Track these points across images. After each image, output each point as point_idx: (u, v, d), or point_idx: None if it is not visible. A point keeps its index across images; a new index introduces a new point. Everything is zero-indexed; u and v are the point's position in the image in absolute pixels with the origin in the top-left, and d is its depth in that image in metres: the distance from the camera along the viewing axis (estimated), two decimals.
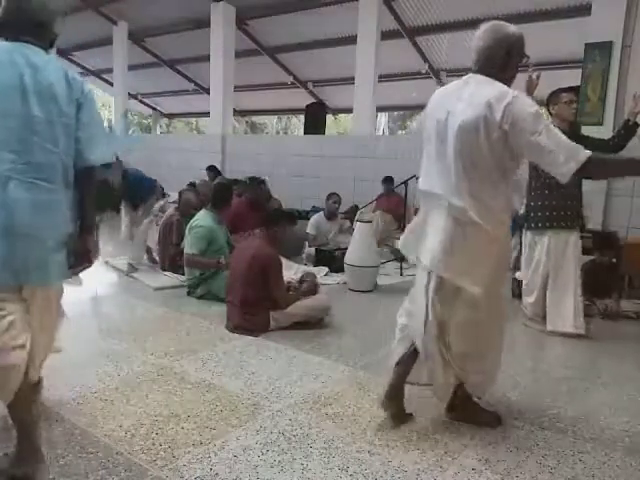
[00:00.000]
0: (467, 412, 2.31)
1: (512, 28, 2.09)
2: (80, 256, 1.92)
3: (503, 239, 2.11)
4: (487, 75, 2.06)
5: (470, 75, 2.12)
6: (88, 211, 1.95)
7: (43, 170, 1.77)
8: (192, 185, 5.46)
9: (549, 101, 3.69)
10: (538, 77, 3.29)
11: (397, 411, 2.28)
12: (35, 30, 1.85)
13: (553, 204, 3.60)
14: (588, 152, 1.90)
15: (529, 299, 3.83)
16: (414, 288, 2.24)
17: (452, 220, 2.02)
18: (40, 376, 1.90)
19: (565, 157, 1.89)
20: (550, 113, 3.66)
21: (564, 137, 1.93)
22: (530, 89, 3.27)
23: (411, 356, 2.23)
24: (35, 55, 1.82)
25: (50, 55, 1.91)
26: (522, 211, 4.00)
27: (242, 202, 5.54)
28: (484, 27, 2.09)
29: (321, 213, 6.12)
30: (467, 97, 2.03)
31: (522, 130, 1.91)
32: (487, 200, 2.00)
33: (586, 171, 1.92)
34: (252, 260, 3.36)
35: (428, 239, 2.10)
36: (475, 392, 2.32)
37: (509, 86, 2.05)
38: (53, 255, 1.80)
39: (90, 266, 1.97)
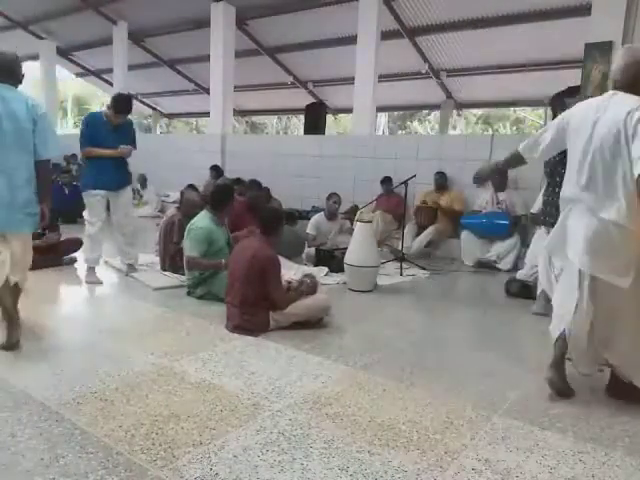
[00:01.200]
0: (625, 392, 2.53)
1: None
2: (41, 216, 2.97)
3: None
4: (627, 91, 2.30)
5: (613, 92, 2.38)
6: (44, 189, 2.99)
7: (11, 164, 2.80)
8: (192, 187, 5.43)
9: (554, 104, 3.73)
10: None
11: (561, 385, 2.57)
12: (9, 74, 2.87)
13: None
14: None
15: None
16: (560, 283, 2.61)
17: (597, 223, 2.29)
18: (18, 284, 2.92)
19: None
20: (555, 116, 3.68)
21: None
22: None
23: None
24: (7, 91, 2.83)
25: (17, 90, 2.91)
26: (535, 210, 4.04)
27: (242, 202, 5.54)
28: (625, 48, 2.35)
29: (321, 213, 6.11)
30: (611, 110, 2.29)
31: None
32: (630, 202, 2.22)
33: None
34: (252, 260, 3.36)
35: (576, 241, 2.38)
36: (622, 373, 2.52)
37: None
38: (22, 215, 2.87)
39: (45, 222, 3.04)
